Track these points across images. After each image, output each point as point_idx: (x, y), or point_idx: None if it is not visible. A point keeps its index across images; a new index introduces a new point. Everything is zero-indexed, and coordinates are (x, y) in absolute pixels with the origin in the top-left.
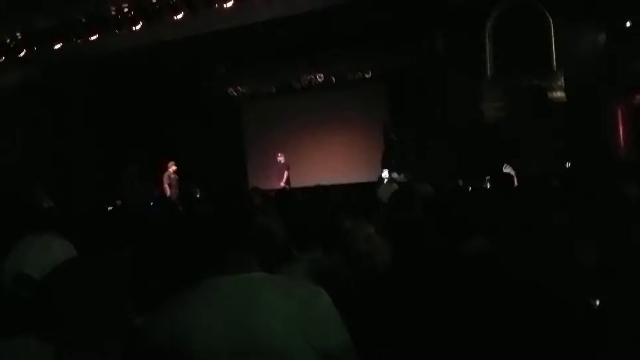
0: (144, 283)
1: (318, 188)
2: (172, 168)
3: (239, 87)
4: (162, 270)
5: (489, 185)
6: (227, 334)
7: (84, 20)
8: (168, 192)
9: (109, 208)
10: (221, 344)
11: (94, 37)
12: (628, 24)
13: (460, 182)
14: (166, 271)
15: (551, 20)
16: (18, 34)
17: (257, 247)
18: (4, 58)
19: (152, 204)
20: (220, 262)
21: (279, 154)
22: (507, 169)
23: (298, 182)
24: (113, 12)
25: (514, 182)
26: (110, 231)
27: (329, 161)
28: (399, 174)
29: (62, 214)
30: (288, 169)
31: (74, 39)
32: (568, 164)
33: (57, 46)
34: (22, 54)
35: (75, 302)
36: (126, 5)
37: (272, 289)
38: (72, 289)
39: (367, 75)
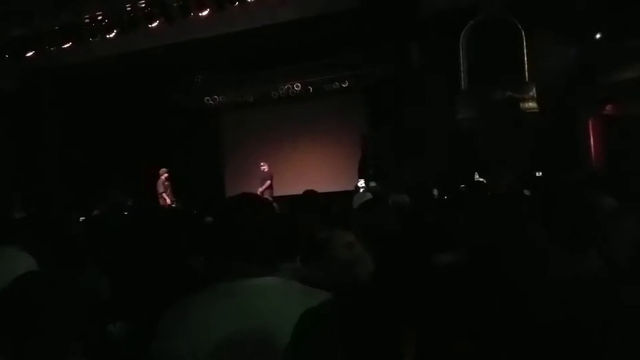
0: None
1: (307, 195)
2: (165, 175)
3: (216, 97)
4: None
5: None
6: (241, 335)
7: (57, 28)
8: (167, 200)
9: (81, 219)
10: (236, 344)
11: (67, 45)
12: (598, 36)
13: (436, 192)
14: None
15: (524, 32)
16: None
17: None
18: None
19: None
20: (224, 268)
21: (262, 164)
22: (479, 178)
23: (278, 192)
24: (87, 21)
25: (485, 190)
26: (78, 243)
27: (307, 170)
28: (375, 183)
29: (31, 225)
30: (271, 179)
31: (48, 48)
32: (538, 174)
33: (30, 54)
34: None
35: (30, 316)
36: (100, 13)
37: (288, 294)
38: (26, 303)
39: (344, 85)
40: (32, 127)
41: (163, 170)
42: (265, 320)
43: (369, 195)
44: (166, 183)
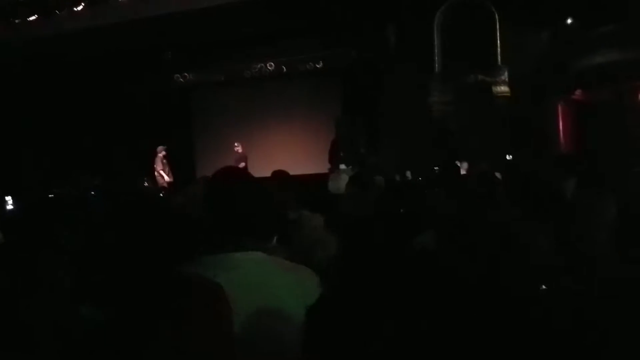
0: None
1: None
2: (162, 153)
3: (185, 74)
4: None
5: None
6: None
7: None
8: (166, 177)
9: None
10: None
11: (32, 18)
12: (569, 21)
13: (409, 174)
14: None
15: (497, 16)
16: None
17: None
18: None
19: (93, 194)
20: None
21: (235, 144)
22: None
23: (251, 172)
24: None
25: (459, 173)
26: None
27: (280, 152)
28: (348, 166)
29: None
30: (246, 160)
31: (12, 20)
32: (509, 157)
33: None
34: None
35: None
36: None
37: (278, 267)
38: None
39: (318, 66)
40: None
41: (160, 147)
42: (270, 290)
43: (345, 178)
44: (164, 161)
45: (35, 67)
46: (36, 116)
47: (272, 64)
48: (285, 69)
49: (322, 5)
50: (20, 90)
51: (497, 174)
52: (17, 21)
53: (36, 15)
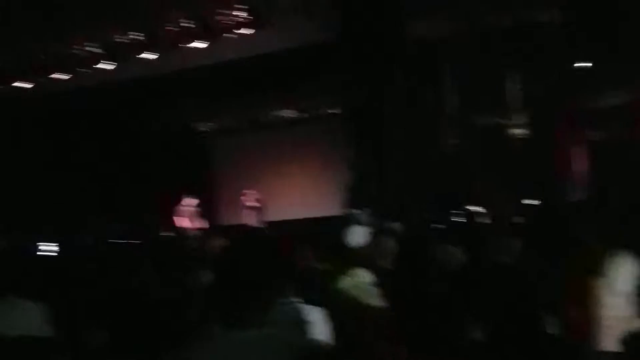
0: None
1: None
2: (187, 200)
3: (208, 122)
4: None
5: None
6: None
7: (43, 57)
8: (181, 224)
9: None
10: None
11: (55, 75)
12: (580, 64)
13: (425, 217)
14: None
15: (509, 59)
16: None
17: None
18: None
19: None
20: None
21: (249, 191)
22: (471, 208)
23: (268, 217)
24: (77, 52)
25: (475, 220)
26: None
27: (297, 196)
28: (361, 209)
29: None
30: (261, 205)
31: (36, 76)
32: (525, 202)
33: (18, 84)
34: None
35: None
36: (92, 45)
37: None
38: None
39: (330, 111)
40: (18, 154)
41: (187, 196)
42: None
43: (359, 230)
44: (185, 208)
45: (68, 117)
46: (67, 163)
47: (289, 110)
48: (299, 114)
49: (332, 52)
50: (53, 138)
51: (514, 219)
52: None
53: (59, 73)
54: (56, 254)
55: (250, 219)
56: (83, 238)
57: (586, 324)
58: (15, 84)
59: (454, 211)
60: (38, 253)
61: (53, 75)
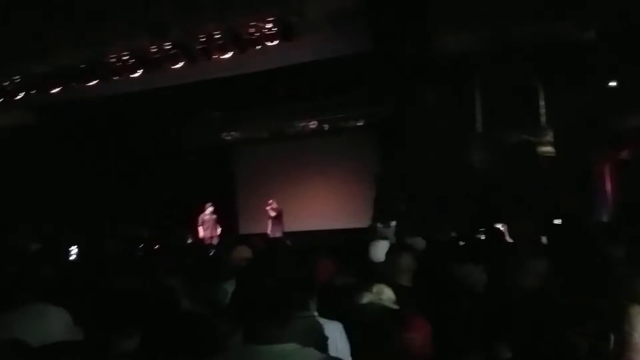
0: None
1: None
2: (209, 209)
3: (232, 132)
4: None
5: (481, 238)
6: None
7: (83, 66)
8: (202, 233)
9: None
10: None
11: (92, 83)
12: (613, 84)
13: (453, 234)
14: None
15: (540, 76)
16: (16, 78)
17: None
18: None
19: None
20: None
21: (270, 201)
22: (497, 225)
23: (289, 227)
24: (113, 60)
25: (504, 237)
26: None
27: (320, 207)
28: (388, 224)
29: (62, 281)
30: (281, 215)
31: (72, 84)
32: (556, 222)
33: (54, 90)
34: (19, 97)
35: None
36: (126, 54)
37: None
38: None
39: (358, 123)
40: (49, 160)
41: (208, 204)
42: None
43: (384, 245)
44: (207, 217)
45: (93, 125)
46: (94, 170)
47: (313, 121)
48: (326, 127)
49: (361, 65)
50: (79, 147)
51: (543, 239)
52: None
53: (97, 80)
54: (85, 259)
55: (273, 230)
56: (111, 244)
57: (622, 353)
58: (53, 90)
59: (480, 228)
60: (67, 258)
61: (85, 83)
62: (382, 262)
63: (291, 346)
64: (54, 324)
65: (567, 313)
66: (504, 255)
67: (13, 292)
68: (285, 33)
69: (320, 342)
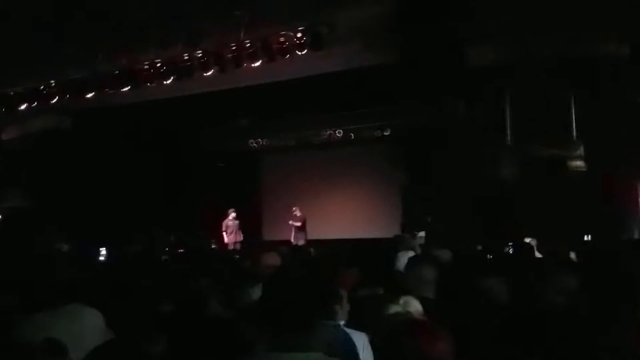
0: None
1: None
2: (232, 214)
3: (259, 140)
4: None
5: (509, 252)
6: None
7: (117, 72)
8: (225, 238)
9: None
10: None
11: (125, 89)
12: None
13: (479, 248)
14: None
15: (572, 89)
16: (52, 82)
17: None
18: (36, 104)
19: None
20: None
21: (294, 208)
22: (526, 240)
23: (313, 235)
24: (146, 67)
25: (534, 253)
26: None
27: (344, 216)
28: (414, 234)
29: (95, 282)
30: (305, 223)
31: (106, 90)
32: (586, 237)
33: (89, 95)
34: (54, 101)
35: None
36: (159, 61)
37: None
38: None
39: (385, 134)
40: (83, 164)
41: (231, 210)
42: None
43: (411, 255)
44: (230, 222)
45: (124, 130)
46: (123, 175)
47: (340, 130)
48: (353, 136)
49: (390, 76)
50: (108, 152)
51: (572, 255)
52: (110, 91)
53: (129, 87)
54: (115, 261)
55: (296, 237)
56: (139, 247)
57: None
58: (87, 95)
59: (507, 242)
60: (97, 260)
61: (118, 89)
62: (404, 273)
63: (315, 355)
64: (89, 325)
65: (596, 329)
66: (533, 270)
67: (48, 293)
68: (314, 43)
69: (347, 352)
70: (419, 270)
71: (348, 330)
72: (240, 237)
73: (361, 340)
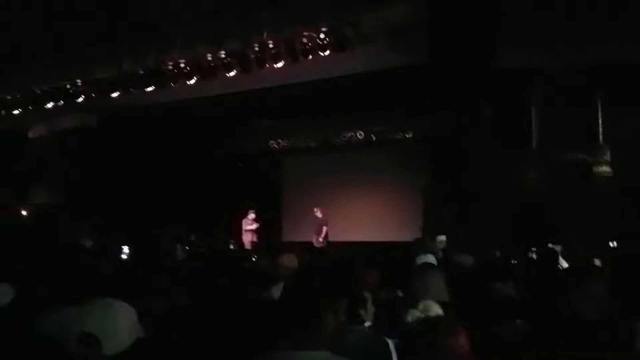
0: None
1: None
2: (251, 216)
3: (280, 141)
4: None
5: (533, 258)
6: None
7: (141, 72)
8: (244, 238)
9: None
10: None
11: (149, 89)
12: None
13: (498, 254)
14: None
15: (598, 93)
16: (78, 81)
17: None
18: (62, 102)
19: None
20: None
21: (315, 209)
22: (550, 245)
23: (333, 237)
24: (170, 67)
25: (558, 259)
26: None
27: (365, 218)
28: (435, 238)
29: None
30: (326, 224)
31: (130, 89)
32: (613, 244)
33: (114, 95)
34: (80, 100)
35: None
36: (183, 61)
37: None
38: None
39: (407, 136)
40: (107, 162)
41: (250, 210)
42: None
43: (433, 259)
44: (249, 223)
45: (148, 129)
46: (146, 173)
47: (361, 132)
48: (374, 138)
49: (414, 78)
50: (133, 150)
51: (597, 261)
52: (134, 91)
53: (153, 87)
54: (140, 258)
55: (317, 239)
56: (164, 245)
57: None
58: (113, 95)
59: (531, 248)
60: (120, 256)
61: (143, 89)
62: (430, 277)
63: (323, 354)
64: (122, 318)
65: (622, 336)
66: (557, 276)
67: (81, 286)
68: (339, 44)
69: (367, 355)
70: (426, 276)
71: (369, 334)
72: (262, 240)
73: (382, 344)
